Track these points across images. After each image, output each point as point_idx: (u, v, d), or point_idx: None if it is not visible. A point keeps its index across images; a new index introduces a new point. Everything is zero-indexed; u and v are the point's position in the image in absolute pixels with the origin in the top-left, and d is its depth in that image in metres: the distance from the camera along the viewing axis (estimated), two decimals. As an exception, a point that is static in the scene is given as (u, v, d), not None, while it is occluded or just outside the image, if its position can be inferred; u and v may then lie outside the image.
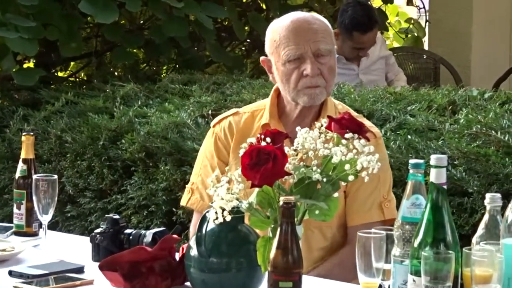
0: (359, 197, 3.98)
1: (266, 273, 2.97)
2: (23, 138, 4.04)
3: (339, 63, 6.98)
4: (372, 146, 3.72)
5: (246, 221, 3.16)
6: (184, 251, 3.29)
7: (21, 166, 3.99)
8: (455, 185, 4.66)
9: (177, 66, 7.33)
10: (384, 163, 3.91)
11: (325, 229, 3.98)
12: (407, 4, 9.79)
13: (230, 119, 4.18)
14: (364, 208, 3.93)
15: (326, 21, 4.15)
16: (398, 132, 5.09)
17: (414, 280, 2.94)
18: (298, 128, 3.17)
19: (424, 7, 9.50)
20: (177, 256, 3.35)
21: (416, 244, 2.93)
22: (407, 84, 6.91)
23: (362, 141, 3.10)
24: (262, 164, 3.03)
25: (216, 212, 3.07)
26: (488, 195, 2.97)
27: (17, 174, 4.00)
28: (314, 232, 3.96)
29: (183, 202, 4.25)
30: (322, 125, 3.15)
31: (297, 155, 3.13)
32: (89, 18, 6.69)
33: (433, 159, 2.94)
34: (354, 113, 4.07)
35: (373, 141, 3.95)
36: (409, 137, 5.01)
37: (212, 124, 4.28)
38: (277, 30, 4.06)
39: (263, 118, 4.09)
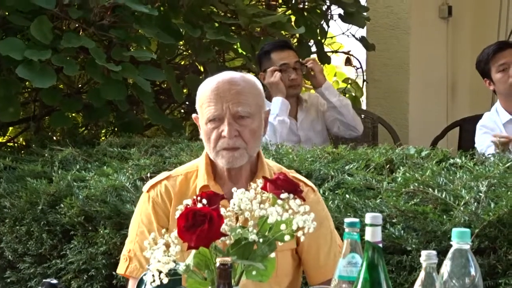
0: (321, 256, 4.00)
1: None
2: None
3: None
4: (319, 207, 3.79)
5: (184, 283, 3.16)
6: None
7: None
8: (393, 243, 4.67)
9: (115, 129, 7.35)
10: (327, 214, 3.96)
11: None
12: (345, 64, 9.86)
13: (165, 183, 4.14)
14: (329, 263, 3.92)
15: (256, 83, 4.12)
16: (336, 192, 5.10)
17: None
18: (234, 189, 3.16)
19: (361, 67, 9.55)
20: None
21: (353, 302, 2.94)
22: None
23: (298, 201, 3.10)
24: (198, 226, 3.03)
25: (153, 275, 3.07)
26: (423, 253, 2.98)
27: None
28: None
29: (120, 271, 4.17)
30: (257, 186, 3.16)
31: (236, 217, 3.14)
32: (26, 83, 6.68)
33: (368, 217, 2.95)
34: (287, 172, 4.12)
35: (314, 194, 4.03)
36: (347, 196, 5.01)
37: (145, 189, 4.21)
38: (203, 89, 4.07)
39: (198, 179, 4.08)
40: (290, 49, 7.42)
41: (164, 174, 4.22)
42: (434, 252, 2.97)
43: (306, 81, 7.58)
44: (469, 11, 9.44)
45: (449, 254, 2.88)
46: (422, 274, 2.98)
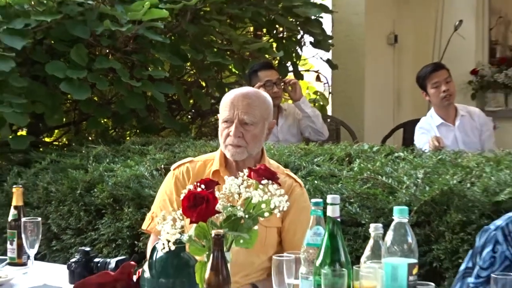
0: (291, 235, 3.97)
1: (203, 289, 2.96)
2: (14, 189, 4.05)
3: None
4: (299, 192, 3.79)
5: (187, 249, 3.15)
6: (139, 274, 3.28)
7: (12, 211, 3.99)
8: (351, 218, 4.67)
9: (137, 131, 7.32)
10: (308, 205, 3.94)
11: (262, 256, 3.98)
12: (316, 80, 9.82)
13: (187, 165, 4.17)
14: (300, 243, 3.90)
15: (266, 99, 4.13)
16: (307, 179, 5.07)
17: (317, 291, 2.94)
18: (226, 177, 3.17)
19: (327, 82, 9.55)
20: (135, 278, 3.33)
21: (317, 264, 2.92)
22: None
23: (275, 186, 3.10)
24: (198, 205, 3.02)
25: (163, 243, 3.07)
26: (372, 225, 2.97)
27: (10, 218, 4.00)
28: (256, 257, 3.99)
29: (144, 226, 4.23)
30: (244, 174, 3.16)
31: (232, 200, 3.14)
32: (68, 96, 6.66)
33: (329, 198, 2.94)
34: (284, 169, 4.13)
35: (300, 189, 4.02)
36: (315, 182, 5.00)
37: (172, 167, 4.25)
38: (226, 97, 4.09)
39: (213, 166, 4.09)
40: (272, 69, 7.39)
41: (188, 159, 4.28)
42: (380, 225, 2.96)
43: (285, 94, 7.54)
44: (410, 39, 9.43)
45: (392, 226, 2.86)
46: (371, 242, 2.97)
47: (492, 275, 2.90)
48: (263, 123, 4.06)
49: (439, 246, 4.43)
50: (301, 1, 8.09)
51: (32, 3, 6.46)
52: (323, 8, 8.46)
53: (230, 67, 7.87)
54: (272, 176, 3.15)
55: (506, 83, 9.15)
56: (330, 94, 9.57)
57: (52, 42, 6.63)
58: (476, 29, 9.41)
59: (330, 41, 8.51)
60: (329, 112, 9.41)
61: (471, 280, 3.27)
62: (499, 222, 3.29)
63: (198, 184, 3.13)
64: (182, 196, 3.09)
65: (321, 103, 9.60)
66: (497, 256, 3.22)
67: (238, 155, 4.01)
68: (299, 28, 8.26)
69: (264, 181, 3.12)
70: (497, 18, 9.75)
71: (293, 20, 8.14)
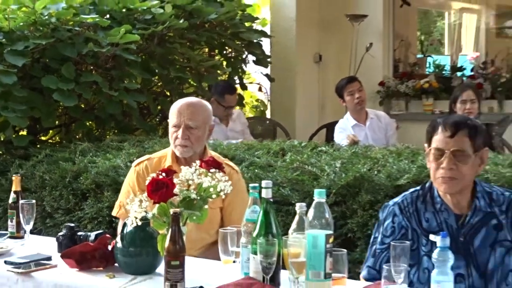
0: (234, 212, 3.97)
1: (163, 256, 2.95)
2: (13, 177, 4.06)
3: (213, 123, 7.05)
4: (236, 178, 3.79)
5: (151, 224, 3.15)
6: (113, 244, 3.27)
7: (12, 195, 3.98)
8: (284, 198, 4.67)
9: (115, 131, 7.26)
10: (244, 189, 3.95)
11: (210, 232, 3.98)
12: (258, 90, 9.82)
13: (146, 162, 4.18)
14: (240, 217, 3.90)
15: (206, 106, 4.16)
16: (249, 168, 5.08)
17: (254, 258, 2.95)
18: (182, 167, 3.17)
19: (267, 92, 9.56)
20: (110, 247, 3.32)
21: (254, 235, 2.94)
22: (255, 139, 6.95)
23: (221, 174, 3.11)
24: (160, 189, 3.03)
25: (132, 220, 3.06)
26: (297, 204, 2.99)
27: (10, 200, 3.98)
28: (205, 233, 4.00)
29: (113, 213, 4.27)
30: (197, 165, 3.16)
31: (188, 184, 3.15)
32: (60, 103, 6.60)
33: (263, 183, 2.96)
34: (224, 159, 4.13)
35: (237, 175, 4.03)
36: (256, 170, 5.00)
37: (134, 164, 4.26)
38: (174, 106, 4.11)
39: (167, 162, 4.08)
40: (235, 93, 7.51)
41: (146, 156, 4.30)
42: (304, 204, 2.98)
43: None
44: (332, 58, 9.45)
45: (313, 205, 2.87)
46: (297, 217, 2.98)
47: (392, 242, 2.92)
48: (205, 127, 4.10)
49: (353, 220, 4.46)
50: (245, 28, 8.10)
51: (31, 29, 6.43)
52: (263, 33, 8.45)
53: (189, 80, 7.83)
54: (218, 166, 3.17)
55: (406, 92, 9.23)
56: (269, 102, 9.57)
57: (47, 60, 6.56)
58: (383, 50, 9.45)
59: (268, 59, 8.49)
60: (268, 116, 9.41)
61: (377, 246, 3.29)
62: (396, 199, 3.33)
63: (160, 172, 3.14)
64: (146, 182, 3.11)
65: (262, 109, 9.63)
66: (396, 226, 3.25)
67: (186, 153, 4.04)
68: (244, 49, 8.23)
69: (212, 170, 3.14)
70: (399, 41, 9.85)
71: (239, 43, 8.10)
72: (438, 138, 3.16)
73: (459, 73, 9.53)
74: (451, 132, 3.14)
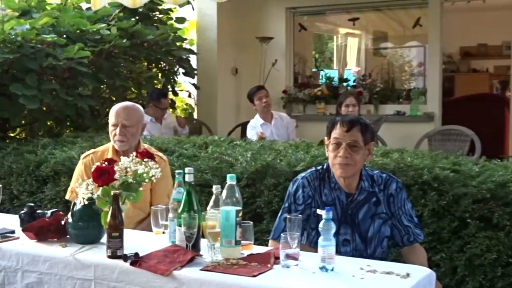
0: (159, 192, 3.92)
1: (106, 229, 2.91)
2: (-17, 167, 3.94)
3: (151, 122, 7.01)
4: (163, 165, 3.73)
5: (97, 203, 3.09)
6: (66, 220, 3.19)
7: (-17, 181, 3.86)
8: (206, 182, 4.60)
9: (71, 129, 7.14)
10: (169, 175, 3.90)
11: (144, 209, 3.92)
12: (188, 97, 9.79)
13: (91, 155, 4.10)
14: (164, 196, 3.85)
15: (139, 109, 4.10)
16: (179, 158, 5.03)
17: (179, 229, 2.92)
18: (122, 157, 3.12)
19: (194, 98, 9.53)
20: (63, 222, 3.24)
21: (179, 211, 2.90)
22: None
23: (152, 162, 3.07)
24: (103, 175, 2.97)
25: (80, 200, 3.00)
26: (214, 186, 2.97)
27: (-19, 185, 3.86)
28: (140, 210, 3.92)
29: (67, 197, 4.21)
30: (133, 156, 3.11)
31: (126, 171, 3.09)
32: (25, 106, 6.42)
33: (186, 169, 2.92)
34: (155, 150, 4.08)
35: (164, 163, 3.97)
36: (184, 160, 4.95)
37: (82, 157, 4.18)
38: (112, 109, 4.06)
39: (108, 154, 4.01)
40: (167, 97, 7.57)
41: (92, 150, 4.20)
42: (219, 186, 2.97)
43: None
44: (245, 71, 9.45)
45: (226, 186, 2.86)
46: (213, 197, 2.97)
47: (287, 216, 2.94)
48: (138, 125, 4.04)
49: (260, 199, 4.45)
50: (176, 47, 8.09)
51: (1, 45, 6.24)
52: (191, 51, 8.48)
53: (131, 88, 7.78)
54: (151, 156, 3.13)
55: (303, 98, 9.27)
56: (196, 105, 9.52)
57: (14, 71, 6.38)
58: (286, 65, 9.48)
59: (195, 72, 8.51)
60: (195, 116, 9.38)
61: (288, 214, 3.25)
62: (304, 174, 3.33)
63: (103, 162, 3.08)
64: (92, 169, 3.06)
65: (190, 111, 9.61)
66: (305, 195, 3.25)
67: (123, 147, 3.98)
68: (175, 63, 8.22)
69: (146, 160, 3.09)
70: (298, 58, 9.88)
71: (172, 58, 8.08)
72: (337, 132, 3.20)
73: (344, 84, 9.61)
74: (347, 127, 3.19)
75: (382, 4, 9.37)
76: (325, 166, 3.32)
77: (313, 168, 3.34)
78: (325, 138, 3.29)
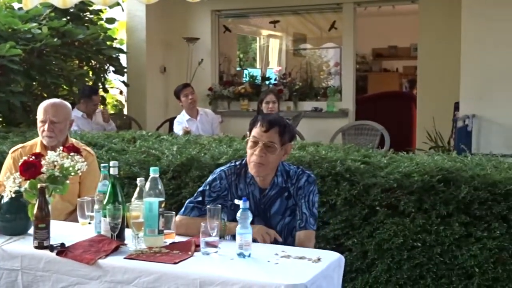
0: (88, 185, 3.80)
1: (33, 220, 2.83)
2: None
3: (82, 118, 6.88)
4: (91, 159, 3.63)
5: (24, 196, 3.00)
6: (-6, 213, 3.09)
7: None
8: (134, 175, 4.42)
9: (4, 124, 6.94)
10: (97, 169, 3.81)
11: (72, 202, 3.81)
12: (119, 94, 9.65)
13: (20, 150, 3.96)
14: (91, 189, 3.73)
15: (67, 106, 3.99)
16: (108, 152, 4.89)
17: (104, 220, 2.86)
18: (48, 151, 3.04)
19: (125, 95, 9.42)
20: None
21: (105, 202, 2.85)
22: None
23: (78, 156, 3.00)
24: (29, 169, 2.89)
25: (7, 193, 2.91)
26: (138, 179, 2.93)
27: None
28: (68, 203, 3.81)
29: None
30: (60, 150, 3.03)
31: (54, 165, 3.01)
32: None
33: (111, 163, 2.87)
34: (83, 145, 3.98)
35: (92, 157, 3.88)
36: (113, 154, 4.83)
37: (10, 151, 4.04)
38: (40, 105, 3.97)
39: (37, 149, 3.89)
40: (98, 94, 7.42)
41: (20, 145, 4.07)
42: (143, 178, 2.92)
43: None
44: (173, 69, 9.39)
45: (149, 179, 2.82)
46: (138, 188, 2.93)
47: (208, 206, 2.91)
48: (66, 121, 3.93)
49: (185, 190, 4.39)
50: (106, 46, 7.98)
51: None
52: (120, 50, 8.37)
53: (62, 85, 7.60)
54: (77, 151, 3.06)
55: (228, 95, 9.27)
56: (126, 101, 9.39)
57: None
58: (211, 64, 9.46)
59: (124, 70, 8.40)
60: (125, 112, 9.25)
61: (206, 199, 3.20)
62: (223, 167, 3.27)
63: (30, 156, 2.99)
64: (20, 162, 2.98)
65: (120, 107, 9.48)
66: (221, 187, 3.20)
67: (51, 142, 3.86)
68: (105, 62, 8.09)
69: (72, 154, 3.02)
70: (223, 58, 9.88)
71: (102, 57, 7.96)
72: (256, 131, 3.14)
73: (267, 82, 9.65)
74: (266, 128, 3.13)
75: (301, 8, 9.44)
76: (243, 162, 3.28)
77: (232, 163, 3.30)
78: (247, 133, 3.24)
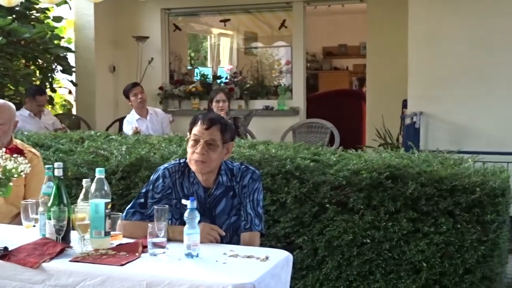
0: (33, 188, 3.69)
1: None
2: None
3: (29, 117, 6.74)
4: (36, 161, 3.54)
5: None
6: None
7: None
8: (82, 176, 4.32)
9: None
10: (42, 171, 3.71)
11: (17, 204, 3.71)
12: (68, 93, 9.47)
13: None
14: (37, 192, 3.64)
15: (11, 106, 3.85)
16: (55, 153, 4.78)
17: (49, 222, 2.80)
18: None
19: (74, 94, 9.27)
20: None
21: (49, 205, 2.78)
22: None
23: (22, 158, 2.92)
24: (-30, 171, 2.80)
25: None
26: (84, 180, 2.87)
27: None
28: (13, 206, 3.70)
29: None
30: (3, 151, 2.95)
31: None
32: None
33: (55, 164, 2.80)
34: (28, 146, 3.88)
35: (37, 159, 3.78)
36: (60, 155, 4.72)
37: None
38: None
39: None
40: (45, 94, 7.29)
41: None
42: (89, 179, 2.86)
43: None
44: (123, 68, 9.29)
45: (95, 179, 2.77)
46: (83, 190, 2.87)
47: (155, 207, 2.87)
48: (10, 123, 3.78)
49: (135, 191, 4.32)
50: (54, 45, 7.85)
51: None
52: (68, 49, 8.23)
53: (8, 85, 7.45)
54: (20, 152, 2.99)
55: (179, 94, 9.23)
56: (75, 101, 9.26)
57: None
58: (161, 63, 9.40)
59: (73, 69, 8.27)
60: (74, 112, 9.12)
61: (148, 201, 3.16)
62: (166, 165, 3.21)
63: (-30, 157, 2.90)
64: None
65: (69, 107, 9.33)
66: (165, 186, 3.13)
67: None
68: (53, 61, 7.95)
69: (15, 155, 2.94)
70: (174, 56, 9.81)
71: (49, 56, 7.82)
72: (197, 129, 3.10)
73: (218, 81, 9.63)
74: (207, 125, 3.09)
75: (251, 7, 9.45)
76: (187, 161, 3.24)
77: (176, 160, 3.26)
78: (188, 133, 3.20)
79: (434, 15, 6.78)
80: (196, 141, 3.09)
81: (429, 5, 6.82)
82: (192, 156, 3.10)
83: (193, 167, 3.12)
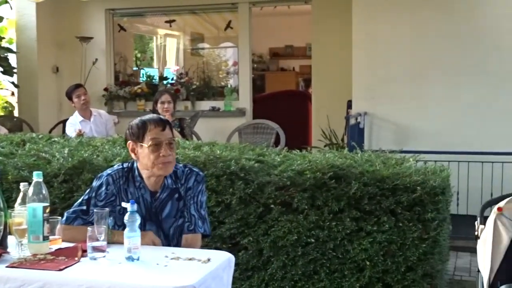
0: None
1: None
2: None
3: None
4: None
5: None
6: None
7: None
8: (23, 179, 4.18)
9: None
10: None
11: None
12: (11, 95, 9.26)
13: None
14: None
15: None
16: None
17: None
18: None
19: (15, 94, 9.09)
20: None
21: (-15, 210, 2.70)
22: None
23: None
24: None
25: None
26: (21, 184, 2.80)
27: None
28: None
29: None
30: None
31: None
32: None
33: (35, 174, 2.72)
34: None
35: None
36: (0, 158, 4.63)
37: None
38: None
39: None
40: None
41: None
42: (26, 183, 2.80)
43: None
44: (67, 69, 9.17)
45: (32, 184, 2.70)
46: (21, 194, 2.80)
47: (94, 210, 2.82)
48: None
49: (78, 194, 4.23)
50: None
51: None
52: (9, 50, 8.09)
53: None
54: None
55: (124, 95, 9.14)
56: (17, 103, 9.05)
57: None
58: (106, 64, 9.28)
59: (14, 70, 8.10)
60: (16, 114, 8.93)
61: (91, 208, 3.10)
62: (109, 171, 3.16)
63: None
64: None
65: (10, 109, 9.11)
66: (108, 193, 3.09)
67: None
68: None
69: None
70: (119, 57, 9.71)
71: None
72: (153, 133, 3.04)
73: (164, 82, 9.56)
74: (162, 127, 3.06)
75: (197, 8, 9.41)
76: (131, 165, 3.17)
77: (120, 165, 3.20)
78: (130, 142, 3.10)
79: (376, 19, 6.89)
80: (158, 145, 3.03)
81: (372, 7, 6.91)
82: (158, 160, 3.03)
83: (160, 171, 3.06)
